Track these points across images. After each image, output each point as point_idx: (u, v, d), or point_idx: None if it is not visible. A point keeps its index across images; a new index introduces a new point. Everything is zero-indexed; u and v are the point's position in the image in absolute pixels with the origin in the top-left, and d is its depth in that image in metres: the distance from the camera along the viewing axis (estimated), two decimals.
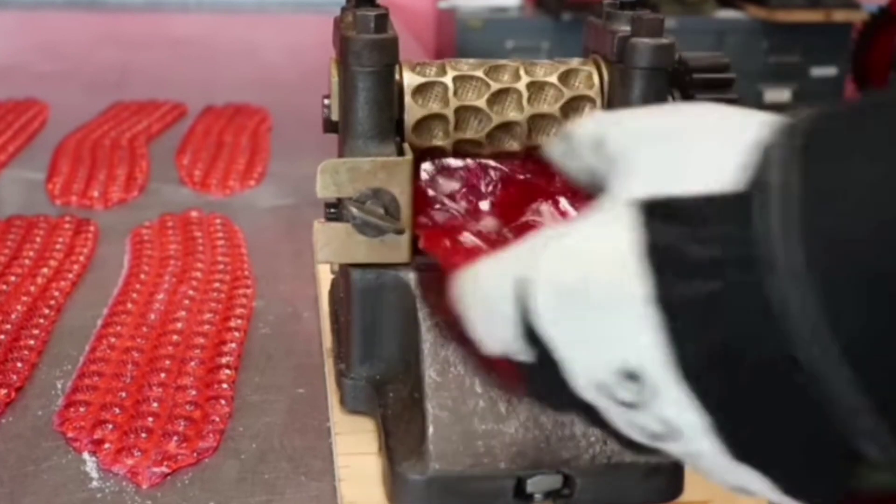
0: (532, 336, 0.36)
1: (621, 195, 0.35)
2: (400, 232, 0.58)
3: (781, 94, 2.33)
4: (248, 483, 0.59)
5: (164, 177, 1.12)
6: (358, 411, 0.62)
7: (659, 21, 0.59)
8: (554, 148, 0.43)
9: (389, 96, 0.59)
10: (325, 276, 0.76)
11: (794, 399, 0.31)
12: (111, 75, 1.64)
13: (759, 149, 0.33)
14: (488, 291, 0.37)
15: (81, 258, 0.90)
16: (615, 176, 0.37)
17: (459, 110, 0.61)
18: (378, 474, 0.57)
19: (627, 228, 0.34)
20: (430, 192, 0.61)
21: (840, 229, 0.30)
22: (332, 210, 0.63)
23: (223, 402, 0.66)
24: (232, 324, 0.77)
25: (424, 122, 0.61)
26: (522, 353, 0.36)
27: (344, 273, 0.61)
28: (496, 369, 0.40)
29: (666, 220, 0.33)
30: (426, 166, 0.61)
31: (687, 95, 0.62)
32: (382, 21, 0.58)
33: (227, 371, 0.70)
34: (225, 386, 0.68)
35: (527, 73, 0.62)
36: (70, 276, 0.86)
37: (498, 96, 0.62)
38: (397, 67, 0.60)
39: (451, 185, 0.62)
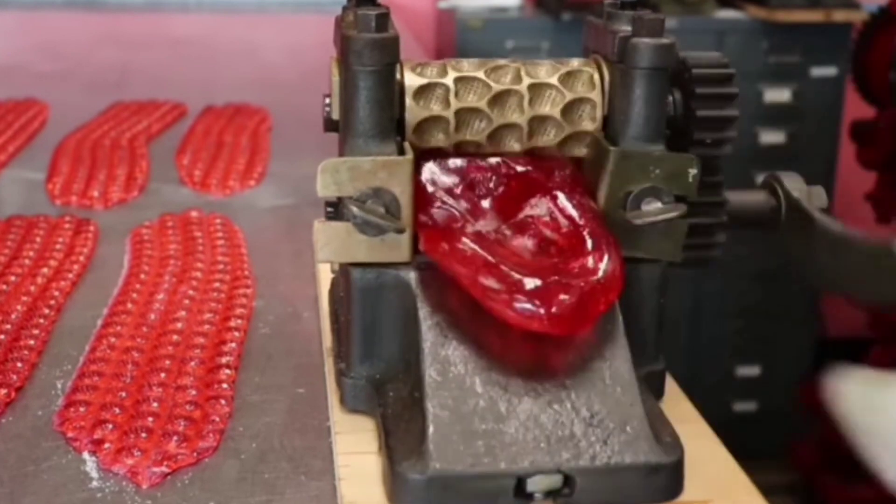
0: None
1: None
2: (400, 231, 0.58)
3: (781, 94, 2.32)
4: (248, 483, 0.59)
5: (164, 177, 1.12)
6: (358, 410, 0.62)
7: (659, 21, 0.59)
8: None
9: (390, 95, 0.59)
10: (325, 276, 0.76)
11: None
12: (111, 75, 1.64)
13: None
14: None
15: (81, 258, 0.89)
16: None
17: (460, 112, 0.61)
18: (378, 474, 0.57)
19: None
20: (430, 189, 0.61)
21: None
22: (332, 209, 0.63)
23: (223, 401, 0.66)
24: (232, 324, 0.77)
25: (425, 124, 0.61)
26: None
27: (344, 272, 0.61)
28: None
29: None
30: (426, 164, 0.62)
31: (688, 95, 0.62)
32: (383, 20, 0.58)
33: (227, 371, 0.70)
34: (225, 386, 0.68)
35: (528, 74, 0.62)
36: (70, 276, 0.86)
37: (499, 98, 0.62)
38: (398, 67, 0.60)
39: (451, 182, 0.62)
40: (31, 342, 0.74)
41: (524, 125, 0.62)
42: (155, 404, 0.66)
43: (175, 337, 0.74)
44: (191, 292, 0.82)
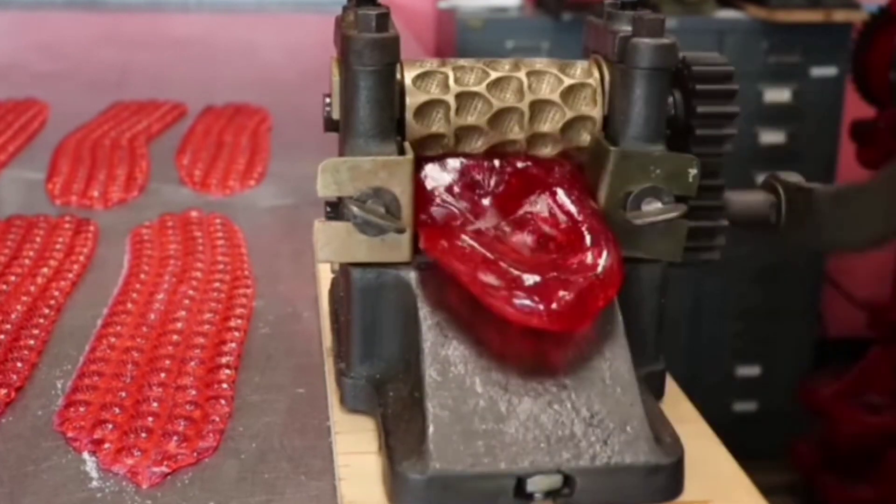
0: None
1: None
2: (401, 231, 0.58)
3: (781, 94, 2.32)
4: (248, 483, 0.59)
5: (164, 177, 1.12)
6: (358, 410, 0.62)
7: (660, 21, 0.59)
8: None
9: (390, 95, 0.59)
10: (325, 276, 0.76)
11: None
12: (111, 75, 1.64)
13: None
14: None
15: (81, 258, 0.89)
16: None
17: (460, 96, 0.61)
18: (378, 473, 0.57)
19: None
20: (430, 188, 0.61)
21: None
22: (332, 209, 0.63)
23: (223, 401, 0.66)
24: (232, 324, 0.77)
25: (425, 108, 0.61)
26: None
27: (344, 272, 0.61)
28: None
29: None
30: (427, 164, 0.62)
31: (688, 93, 0.62)
32: (384, 20, 0.58)
33: (227, 371, 0.70)
34: (225, 386, 0.68)
35: (530, 90, 0.62)
36: (70, 276, 0.86)
37: (498, 81, 0.62)
38: (398, 66, 0.60)
39: (451, 181, 0.62)
40: (31, 342, 0.74)
41: (525, 109, 0.62)
42: (155, 404, 0.66)
43: (175, 337, 0.74)
44: (191, 292, 0.82)
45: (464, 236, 0.58)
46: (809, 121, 2.35)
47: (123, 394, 0.67)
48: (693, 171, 0.60)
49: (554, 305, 0.54)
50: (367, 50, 0.57)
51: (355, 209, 0.57)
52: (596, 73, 0.63)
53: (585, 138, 0.63)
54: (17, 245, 0.91)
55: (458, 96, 0.61)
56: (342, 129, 0.60)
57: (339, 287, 0.65)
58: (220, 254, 0.90)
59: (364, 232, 0.59)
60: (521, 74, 0.62)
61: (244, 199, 1.07)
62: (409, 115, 0.61)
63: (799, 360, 2.46)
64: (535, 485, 0.54)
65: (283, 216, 1.03)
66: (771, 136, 2.35)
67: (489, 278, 0.55)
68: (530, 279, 0.55)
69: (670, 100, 0.62)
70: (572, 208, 0.60)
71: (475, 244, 0.57)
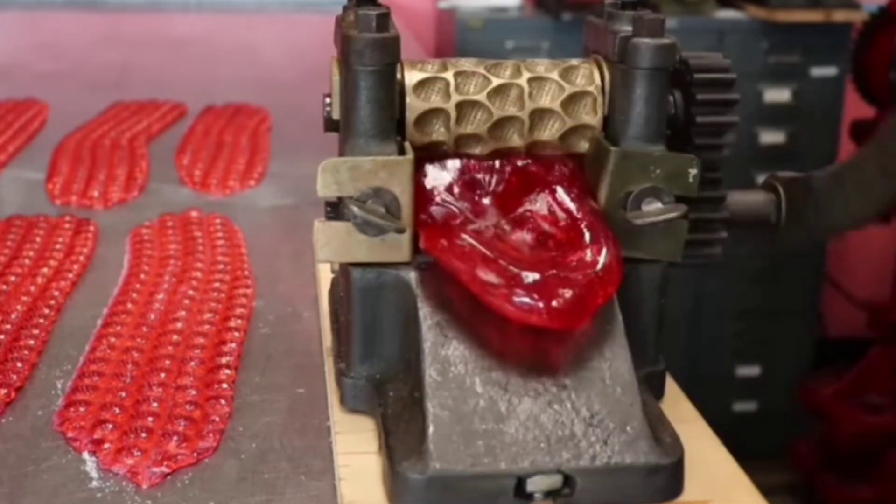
0: None
1: None
2: (401, 231, 0.58)
3: (781, 94, 2.32)
4: (248, 483, 0.59)
5: (164, 177, 1.12)
6: (358, 410, 0.62)
7: (660, 21, 0.59)
8: None
9: (391, 95, 0.59)
10: (325, 276, 0.76)
11: None
12: (111, 75, 1.63)
13: None
14: None
15: (81, 258, 0.89)
16: None
17: (461, 105, 0.61)
18: (378, 473, 0.57)
19: None
20: (430, 188, 0.61)
21: None
22: (332, 209, 0.63)
23: (223, 402, 0.66)
24: (232, 324, 0.77)
25: (426, 117, 0.61)
26: None
27: (344, 272, 0.61)
28: None
29: None
30: (427, 164, 0.62)
31: (688, 100, 0.62)
32: (384, 20, 0.58)
33: (227, 371, 0.70)
34: (225, 386, 0.68)
35: (531, 98, 0.62)
36: (70, 276, 0.86)
37: (499, 89, 0.62)
38: (399, 66, 0.60)
39: (451, 180, 0.62)
40: (31, 342, 0.74)
41: (525, 118, 0.62)
42: (155, 404, 0.66)
43: (175, 337, 0.74)
44: (191, 292, 0.82)
45: (463, 235, 0.58)
46: (809, 121, 2.35)
47: (123, 394, 0.67)
48: (693, 172, 0.60)
49: (553, 303, 0.54)
50: (368, 50, 0.57)
51: (355, 209, 0.57)
52: (597, 79, 0.62)
53: (584, 146, 0.63)
54: (17, 245, 0.91)
55: (459, 105, 0.61)
56: (342, 128, 0.60)
57: (339, 287, 0.65)
58: (220, 254, 0.90)
59: (364, 232, 0.59)
60: (523, 81, 0.62)
61: (244, 199, 1.07)
62: (409, 124, 0.61)
63: (799, 360, 2.46)
64: (536, 485, 0.54)
65: (283, 216, 1.03)
66: (771, 136, 2.35)
67: (489, 276, 0.55)
68: (530, 277, 0.55)
69: (671, 99, 0.62)
70: (571, 206, 0.60)
71: (475, 242, 0.57)
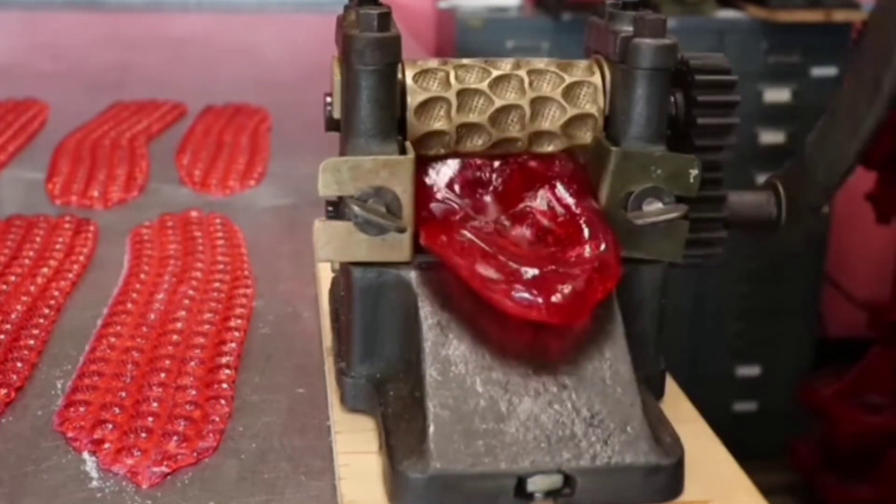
0: None
1: None
2: (402, 230, 0.58)
3: (781, 94, 2.32)
4: (248, 483, 0.59)
5: (164, 177, 1.12)
6: (358, 410, 0.62)
7: (661, 21, 0.59)
8: None
9: (392, 95, 0.59)
10: (325, 276, 0.76)
11: None
12: (111, 75, 1.63)
13: None
14: None
15: (81, 258, 0.89)
16: None
17: (461, 93, 0.61)
18: (378, 473, 0.57)
19: None
20: (431, 185, 0.61)
21: None
22: (333, 209, 0.63)
23: (223, 401, 0.66)
24: (232, 324, 0.77)
25: (426, 106, 0.61)
26: None
27: (345, 272, 0.61)
28: None
29: None
30: (428, 163, 0.62)
31: (689, 102, 0.62)
32: (385, 20, 0.58)
33: (227, 371, 0.70)
34: (225, 386, 0.68)
35: (531, 87, 0.62)
36: (70, 276, 0.86)
37: (499, 79, 0.62)
38: (399, 66, 0.60)
39: (452, 177, 0.62)
40: (31, 342, 0.74)
41: (525, 106, 0.62)
42: (155, 404, 0.65)
43: (175, 337, 0.74)
44: (191, 292, 0.82)
45: (463, 231, 0.58)
46: (809, 121, 2.34)
47: (123, 394, 0.67)
48: (694, 172, 0.60)
49: (553, 298, 0.54)
50: (369, 49, 0.57)
51: (356, 208, 0.57)
52: (597, 72, 0.63)
53: (587, 136, 0.63)
54: (17, 245, 0.91)
55: (460, 93, 0.61)
56: (343, 128, 0.60)
57: (340, 286, 0.65)
58: (220, 254, 0.90)
59: (365, 231, 0.59)
60: (522, 73, 0.62)
61: (244, 199, 1.07)
62: (409, 113, 0.61)
63: (799, 360, 2.46)
64: (536, 484, 0.54)
65: (283, 216, 1.03)
66: (771, 136, 2.35)
67: (488, 272, 0.56)
68: (529, 272, 0.55)
69: (672, 99, 0.62)
70: (571, 202, 0.60)
71: (474, 238, 0.57)
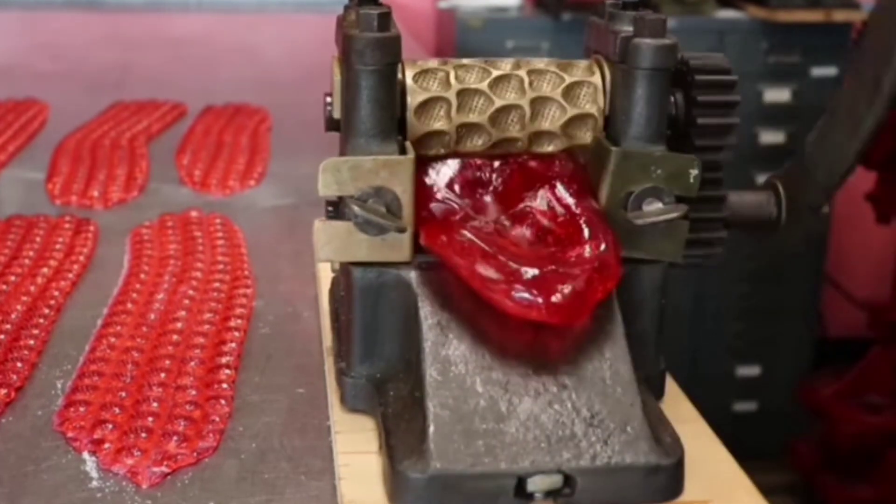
0: None
1: None
2: (402, 230, 0.58)
3: (781, 94, 2.32)
4: (248, 483, 0.59)
5: (164, 177, 1.12)
6: (358, 410, 0.62)
7: (661, 21, 0.59)
8: None
9: (392, 95, 0.59)
10: (325, 276, 0.76)
11: None
12: (111, 75, 1.63)
13: None
14: None
15: (81, 258, 0.89)
16: None
17: (461, 93, 0.61)
18: (378, 473, 0.57)
19: None
20: (431, 185, 0.61)
21: None
22: (333, 209, 0.63)
23: (223, 402, 0.66)
24: (232, 324, 0.77)
25: (426, 105, 0.61)
26: None
27: (345, 272, 0.61)
28: None
29: None
30: (428, 163, 0.62)
31: (689, 102, 0.62)
32: (385, 20, 0.58)
33: (227, 371, 0.70)
34: (225, 386, 0.68)
35: (531, 87, 0.62)
36: (70, 276, 0.86)
37: (499, 79, 0.62)
38: (399, 66, 0.60)
39: (452, 177, 0.62)
40: (31, 342, 0.74)
41: (525, 106, 0.62)
42: (155, 404, 0.65)
43: (175, 337, 0.74)
44: (191, 292, 0.82)
45: (463, 231, 0.58)
46: (809, 121, 2.34)
47: (123, 394, 0.67)
48: (694, 172, 0.60)
49: (553, 298, 0.54)
50: (369, 49, 0.57)
51: (356, 208, 0.57)
52: (597, 72, 0.63)
53: (587, 136, 0.63)
54: (17, 245, 0.91)
55: (460, 93, 0.61)
56: (343, 128, 0.60)
57: (340, 286, 0.65)
58: (220, 254, 0.90)
59: (365, 231, 0.59)
60: (522, 73, 0.62)
61: (244, 199, 1.07)
62: (409, 113, 0.61)
63: (799, 360, 2.46)
64: (536, 484, 0.54)
65: (283, 216, 1.03)
66: (771, 136, 2.35)
67: (488, 272, 0.56)
68: (529, 272, 0.55)
69: (672, 99, 0.62)
70: (571, 202, 0.60)
71: (474, 238, 0.57)
